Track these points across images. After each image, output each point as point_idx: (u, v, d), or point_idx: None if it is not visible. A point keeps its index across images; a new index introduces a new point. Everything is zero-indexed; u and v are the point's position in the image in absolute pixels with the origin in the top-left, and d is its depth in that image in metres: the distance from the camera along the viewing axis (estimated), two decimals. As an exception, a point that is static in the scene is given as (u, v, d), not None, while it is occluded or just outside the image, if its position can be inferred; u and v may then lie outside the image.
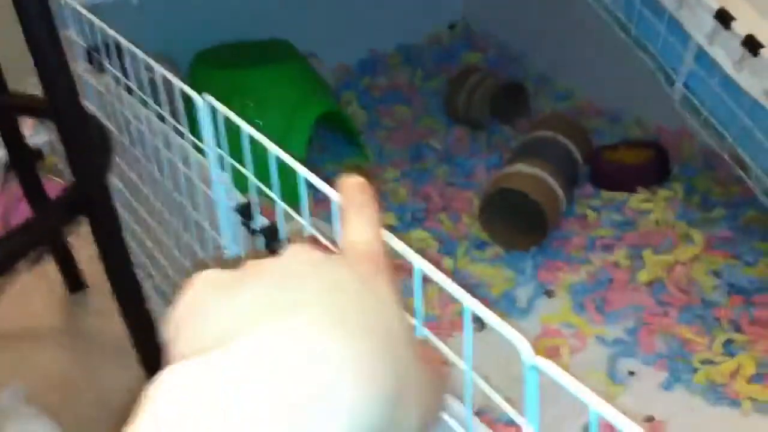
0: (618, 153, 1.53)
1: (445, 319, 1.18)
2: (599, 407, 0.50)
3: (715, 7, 1.06)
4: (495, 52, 2.01)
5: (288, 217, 0.77)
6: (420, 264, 0.60)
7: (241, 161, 0.82)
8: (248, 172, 0.79)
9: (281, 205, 0.74)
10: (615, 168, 1.50)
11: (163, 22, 1.63)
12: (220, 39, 1.66)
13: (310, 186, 0.68)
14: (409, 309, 0.62)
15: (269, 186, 0.75)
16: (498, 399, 0.56)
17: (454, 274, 1.27)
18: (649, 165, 1.49)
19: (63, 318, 1.42)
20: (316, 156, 1.61)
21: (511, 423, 0.99)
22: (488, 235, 1.38)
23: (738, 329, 1.15)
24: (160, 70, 0.90)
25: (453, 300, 1.23)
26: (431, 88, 1.90)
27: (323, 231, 0.68)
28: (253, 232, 0.81)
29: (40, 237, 0.81)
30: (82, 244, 1.53)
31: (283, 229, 0.78)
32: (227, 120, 0.82)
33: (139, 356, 0.97)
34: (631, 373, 1.09)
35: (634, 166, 1.49)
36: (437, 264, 0.59)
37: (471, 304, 0.57)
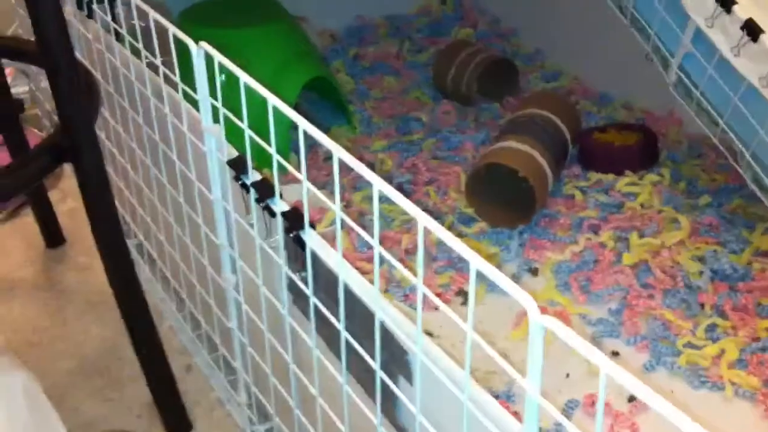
0: (607, 135, 1.52)
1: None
2: (609, 368, 0.48)
3: (717, -11, 1.05)
4: (485, 28, 1.99)
5: (282, 172, 0.75)
6: (425, 221, 0.59)
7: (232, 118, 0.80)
8: (243, 124, 0.77)
9: (277, 158, 0.72)
10: (604, 150, 1.49)
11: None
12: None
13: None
14: (412, 269, 0.61)
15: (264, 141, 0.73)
16: (499, 359, 0.55)
17: (439, 247, 1.25)
18: (637, 148, 1.48)
19: (40, 272, 1.39)
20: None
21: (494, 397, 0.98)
22: (474, 211, 1.36)
23: (721, 315, 1.14)
24: (155, 15, 0.87)
25: (438, 272, 1.23)
26: (420, 61, 1.88)
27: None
28: (245, 186, 0.79)
29: (25, 181, 0.79)
30: (62, 198, 1.50)
31: (277, 184, 0.76)
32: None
33: (121, 310, 0.95)
34: (615, 354, 1.08)
35: (622, 148, 1.48)
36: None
37: (478, 264, 0.55)
